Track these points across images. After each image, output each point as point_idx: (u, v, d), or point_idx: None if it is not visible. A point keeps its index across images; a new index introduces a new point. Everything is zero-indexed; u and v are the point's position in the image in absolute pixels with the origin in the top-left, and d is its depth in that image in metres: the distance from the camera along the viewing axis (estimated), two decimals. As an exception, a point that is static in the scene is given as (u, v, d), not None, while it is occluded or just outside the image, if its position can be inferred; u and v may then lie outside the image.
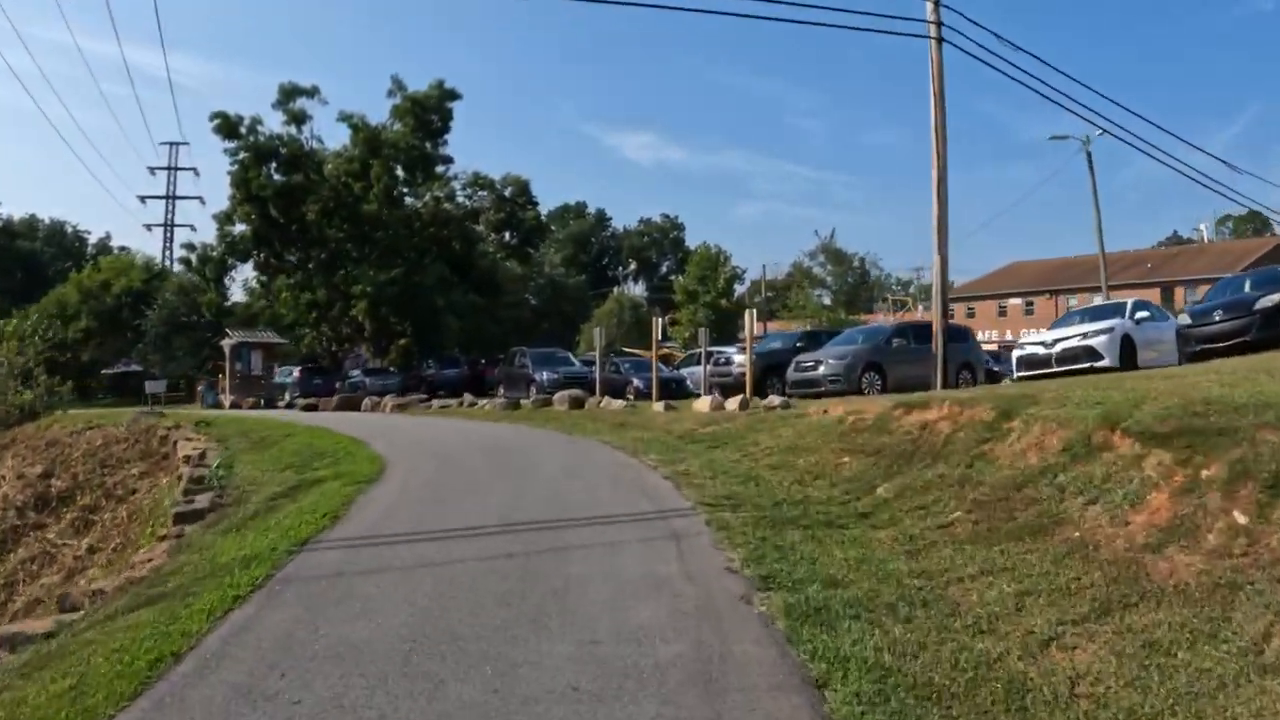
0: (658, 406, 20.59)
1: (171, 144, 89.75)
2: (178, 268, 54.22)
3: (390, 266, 44.47)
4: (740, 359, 25.39)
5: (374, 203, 44.29)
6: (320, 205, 46.21)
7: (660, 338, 79.33)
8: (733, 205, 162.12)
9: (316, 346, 54.27)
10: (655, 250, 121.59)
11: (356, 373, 45.34)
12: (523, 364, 31.71)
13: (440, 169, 49.08)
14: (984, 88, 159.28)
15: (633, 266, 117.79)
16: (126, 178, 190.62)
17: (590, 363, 35.67)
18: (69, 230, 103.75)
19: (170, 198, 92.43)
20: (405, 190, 47.78)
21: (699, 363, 34.85)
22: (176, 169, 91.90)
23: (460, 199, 49.85)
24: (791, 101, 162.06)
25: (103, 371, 67.47)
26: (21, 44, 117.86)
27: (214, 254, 46.43)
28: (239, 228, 46.23)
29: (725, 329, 63.24)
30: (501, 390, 32.81)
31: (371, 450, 15.13)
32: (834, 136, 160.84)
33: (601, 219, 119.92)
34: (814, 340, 27.14)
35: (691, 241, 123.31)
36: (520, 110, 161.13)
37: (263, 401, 38.51)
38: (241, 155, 44.52)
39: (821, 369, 22.74)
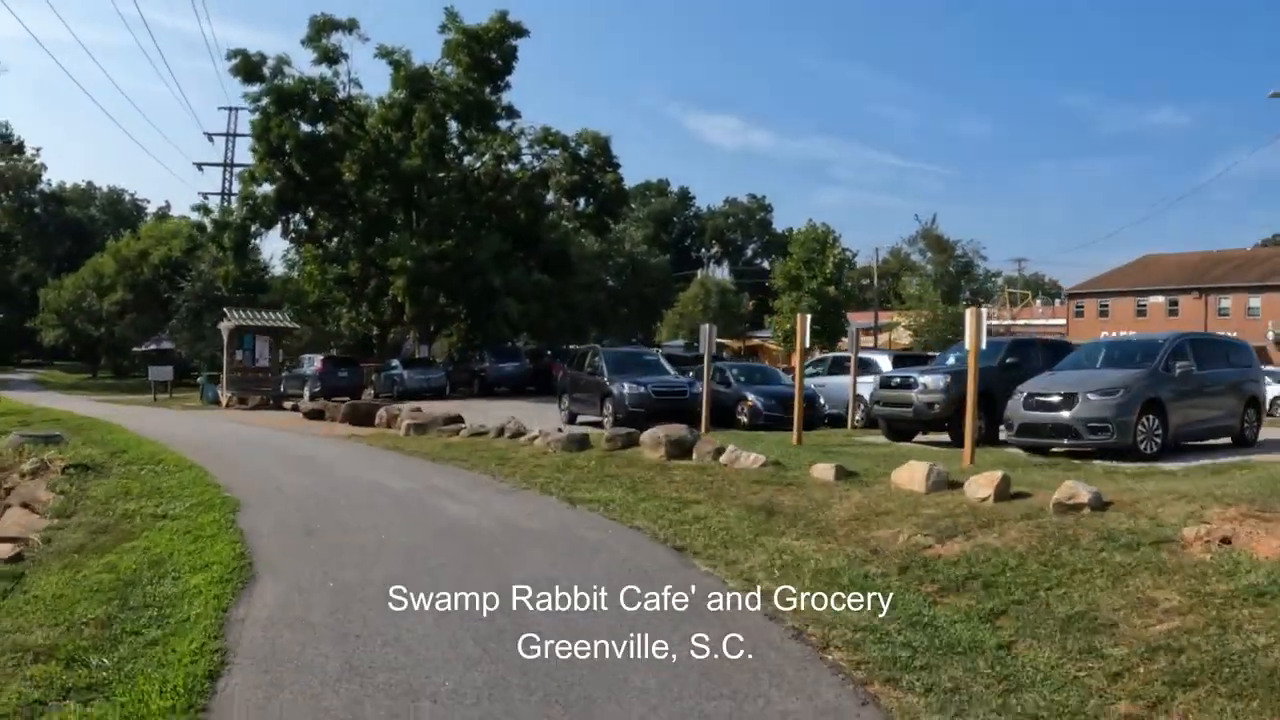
0: (822, 471, 11.59)
1: (231, 109, 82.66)
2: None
3: (442, 237, 36.13)
4: (930, 381, 16.34)
5: (416, 156, 35.78)
6: (358, 162, 38.07)
7: (748, 328, 69.50)
8: (813, 192, 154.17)
9: (358, 330, 46.41)
10: (740, 232, 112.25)
11: (395, 364, 37.23)
12: (596, 369, 22.90)
13: (503, 124, 40.60)
14: (1067, 79, 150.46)
15: (715, 249, 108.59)
16: (186, 146, 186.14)
17: (687, 363, 26.84)
18: (127, 199, 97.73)
19: (228, 165, 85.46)
20: (459, 146, 39.33)
21: (833, 371, 25.90)
22: (235, 135, 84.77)
23: (526, 158, 41.30)
24: (877, 88, 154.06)
25: (134, 350, 60.72)
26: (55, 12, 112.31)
27: (233, 219, 38.43)
28: (264, 188, 38.30)
29: (830, 322, 54.07)
30: (565, 404, 24.04)
31: (221, 638, 6.42)
32: (920, 125, 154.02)
33: (685, 197, 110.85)
34: (1023, 354, 18.04)
35: (779, 224, 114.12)
36: (598, 89, 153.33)
37: (271, 400, 30.50)
38: (263, 101, 36.45)
39: (1075, 410, 13.82)
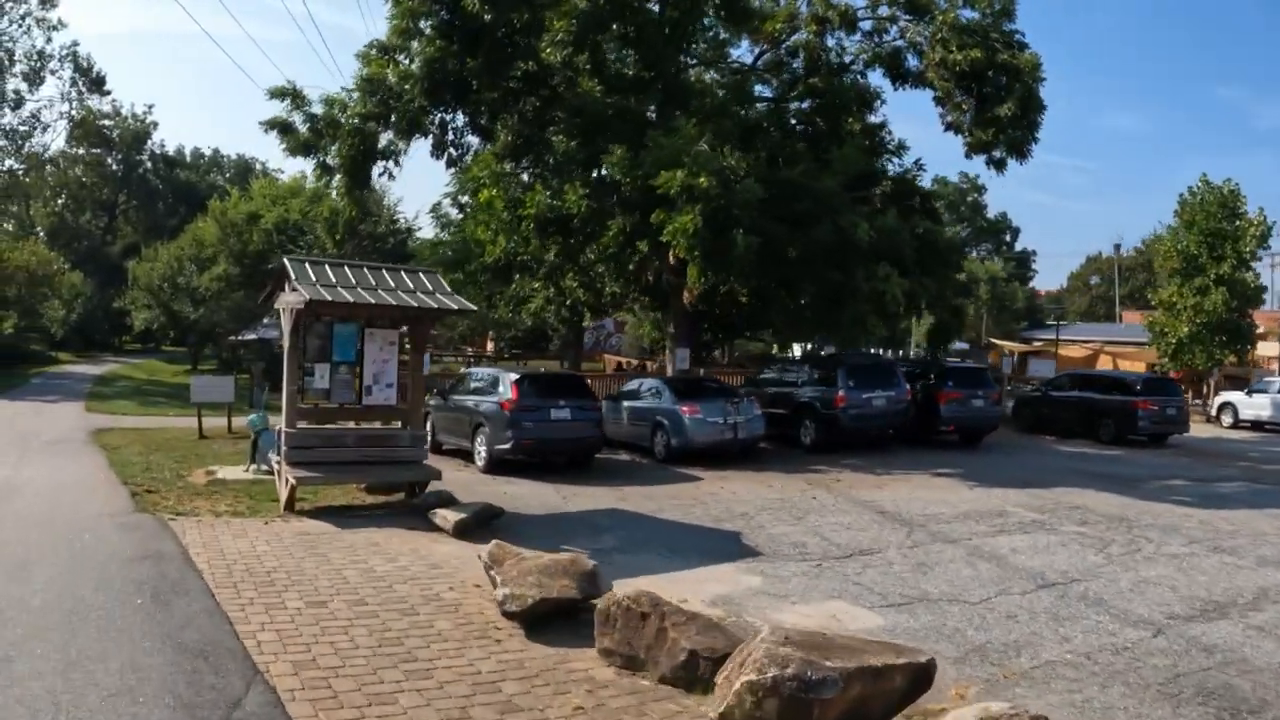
0: None
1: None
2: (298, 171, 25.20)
3: (750, 146, 17.54)
4: None
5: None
6: (575, 18, 19.58)
7: (1026, 326, 47.48)
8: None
9: (561, 320, 28.02)
10: (952, 215, 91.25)
11: (657, 388, 18.63)
12: None
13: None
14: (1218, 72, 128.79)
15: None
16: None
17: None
18: (258, 167, 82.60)
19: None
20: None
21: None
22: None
23: (866, 25, 22.25)
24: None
25: (230, 338, 44.08)
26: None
27: (346, 117, 20.14)
28: (408, 64, 20.01)
29: (1235, 326, 33.83)
30: None
31: None
32: (1067, 118, 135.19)
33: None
34: None
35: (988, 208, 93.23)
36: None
37: (415, 487, 11.90)
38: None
39: None
